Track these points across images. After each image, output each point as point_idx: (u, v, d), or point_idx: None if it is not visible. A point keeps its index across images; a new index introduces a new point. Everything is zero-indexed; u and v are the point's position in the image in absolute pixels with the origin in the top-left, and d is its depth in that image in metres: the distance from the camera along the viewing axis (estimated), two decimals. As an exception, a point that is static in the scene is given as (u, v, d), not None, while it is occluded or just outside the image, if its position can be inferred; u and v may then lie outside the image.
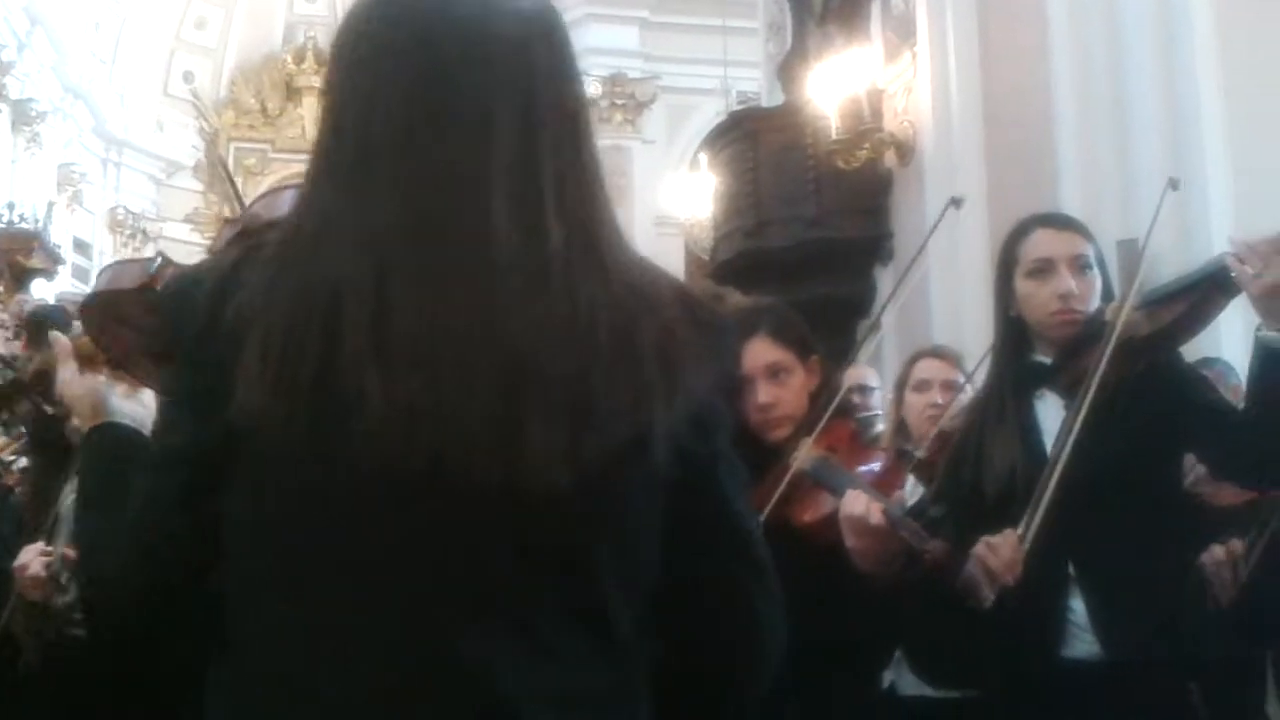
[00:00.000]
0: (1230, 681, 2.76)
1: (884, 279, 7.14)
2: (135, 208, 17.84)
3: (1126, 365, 2.13)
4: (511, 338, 0.96)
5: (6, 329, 8.47)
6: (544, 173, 1.03)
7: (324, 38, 18.84)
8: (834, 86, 6.84)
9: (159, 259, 1.81)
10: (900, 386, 3.23)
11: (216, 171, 16.79)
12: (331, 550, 0.97)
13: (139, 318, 1.73)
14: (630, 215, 14.37)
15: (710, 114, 12.00)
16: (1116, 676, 2.05)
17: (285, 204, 1.62)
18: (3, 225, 12.65)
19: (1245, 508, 2.67)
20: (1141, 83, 5.09)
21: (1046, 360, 2.29)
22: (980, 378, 3.20)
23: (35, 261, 12.59)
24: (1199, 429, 2.16)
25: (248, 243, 1.16)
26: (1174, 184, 2.34)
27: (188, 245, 13.82)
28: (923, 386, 3.14)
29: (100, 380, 1.61)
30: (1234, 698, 2.92)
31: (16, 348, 6.06)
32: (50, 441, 2.92)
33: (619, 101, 14.66)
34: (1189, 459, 2.32)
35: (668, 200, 12.88)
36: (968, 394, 2.98)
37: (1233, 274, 2.02)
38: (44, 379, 2.58)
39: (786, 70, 8.45)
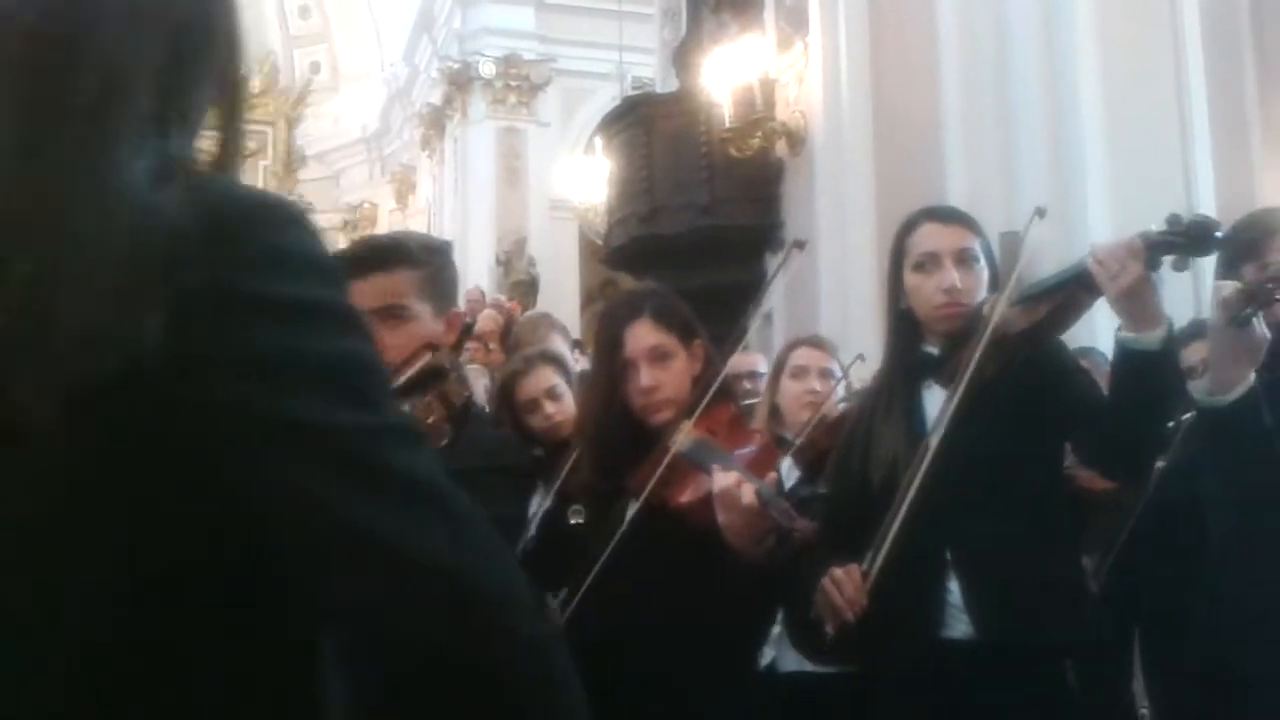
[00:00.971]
0: (1098, 662, 2.86)
1: (773, 267, 7.21)
2: None
3: (1003, 357, 2.18)
4: None
5: None
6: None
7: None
8: (727, 74, 6.88)
9: None
10: (776, 373, 3.27)
11: None
12: None
13: None
14: (525, 198, 14.30)
15: (606, 98, 11.97)
16: (991, 657, 2.11)
17: None
18: None
19: (1119, 495, 2.77)
20: (1026, 77, 5.22)
21: (934, 351, 2.34)
22: (855, 368, 3.28)
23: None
24: (1071, 420, 2.23)
25: None
26: (1040, 213, 2.43)
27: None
28: (799, 374, 3.19)
29: None
30: (1102, 678, 3.03)
31: None
32: None
33: (513, 83, 14.54)
34: None
35: (562, 184, 12.84)
36: (845, 383, 3.05)
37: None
38: None
39: (681, 57, 8.47)
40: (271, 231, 0.80)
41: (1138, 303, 2.03)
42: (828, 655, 2.49)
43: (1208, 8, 6.47)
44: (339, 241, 13.75)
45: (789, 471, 3.05)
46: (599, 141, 8.82)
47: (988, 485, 2.17)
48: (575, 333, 7.63)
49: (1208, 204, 4.81)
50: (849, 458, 2.37)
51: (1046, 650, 2.19)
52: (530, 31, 14.60)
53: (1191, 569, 2.39)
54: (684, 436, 2.09)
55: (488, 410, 3.39)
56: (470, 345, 7.47)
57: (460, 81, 14.78)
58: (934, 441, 2.13)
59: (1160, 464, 2.70)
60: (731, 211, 7.38)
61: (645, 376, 2.17)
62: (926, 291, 2.30)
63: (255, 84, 18.87)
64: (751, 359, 4.15)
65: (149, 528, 0.77)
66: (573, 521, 2.27)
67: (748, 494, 1.89)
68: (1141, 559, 2.68)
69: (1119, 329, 2.08)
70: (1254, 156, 8.76)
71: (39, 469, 0.75)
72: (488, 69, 14.48)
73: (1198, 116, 5.20)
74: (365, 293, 2.05)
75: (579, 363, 4.34)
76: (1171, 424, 2.55)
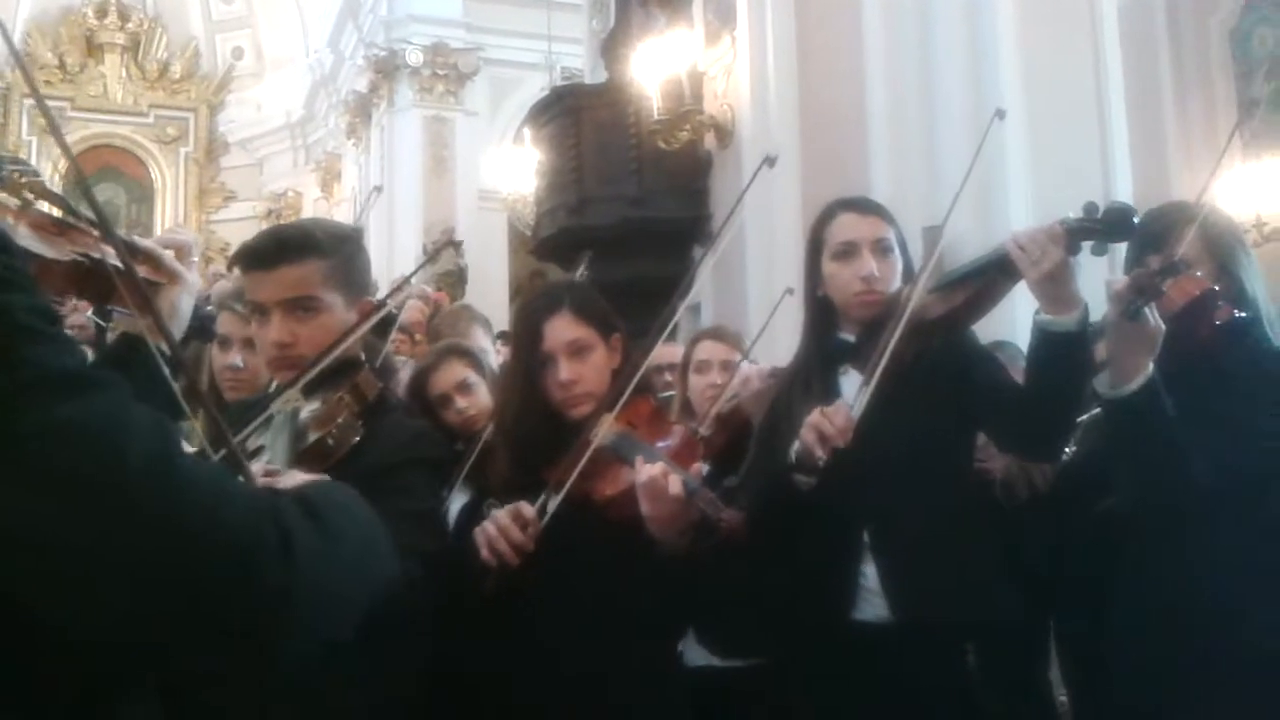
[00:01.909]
0: (1013, 647, 2.91)
1: (703, 259, 7.23)
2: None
3: (920, 343, 2.23)
4: None
5: None
6: None
7: (129, -8, 17.98)
8: (656, 67, 6.87)
9: None
10: (684, 367, 3.29)
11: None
12: None
13: None
14: (452, 188, 14.17)
15: (535, 88, 11.91)
16: (899, 638, 2.16)
17: None
18: None
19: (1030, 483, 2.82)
20: (949, 73, 5.29)
21: (850, 338, 2.39)
22: (761, 357, 3.29)
23: None
24: (984, 405, 2.28)
25: None
26: (1000, 114, 2.46)
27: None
28: (703, 368, 3.20)
29: None
30: (1016, 663, 3.08)
31: None
32: None
33: (441, 72, 14.39)
34: None
35: (491, 174, 12.74)
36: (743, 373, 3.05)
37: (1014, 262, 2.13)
38: None
39: (610, 48, 8.45)
40: None
41: (1056, 286, 2.09)
42: (735, 647, 2.51)
43: (1125, 7, 6.60)
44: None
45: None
46: (528, 132, 8.78)
47: (904, 468, 2.22)
48: (505, 324, 7.58)
49: (1125, 199, 4.90)
50: (770, 441, 2.40)
51: (958, 632, 2.25)
52: (458, 20, 14.46)
53: (1102, 556, 2.44)
54: (605, 429, 2.08)
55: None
56: (396, 337, 7.39)
57: (386, 69, 14.60)
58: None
59: (1070, 453, 2.76)
60: (660, 204, 7.39)
61: (564, 370, 2.16)
62: (844, 279, 2.36)
63: (177, 69, 18.54)
64: (673, 351, 4.15)
65: None
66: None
67: (674, 485, 1.89)
68: (1054, 546, 2.72)
69: (1037, 312, 2.14)
70: (1169, 151, 9.00)
71: None
72: (415, 57, 14.31)
73: (1115, 113, 5.30)
74: (273, 284, 2.02)
75: (501, 355, 4.31)
76: (1085, 416, 2.61)
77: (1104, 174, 5.13)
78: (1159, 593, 2.28)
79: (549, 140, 8.03)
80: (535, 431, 2.18)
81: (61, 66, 17.84)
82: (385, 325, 2.99)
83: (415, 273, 4.10)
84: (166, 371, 1.66)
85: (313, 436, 1.93)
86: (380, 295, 2.54)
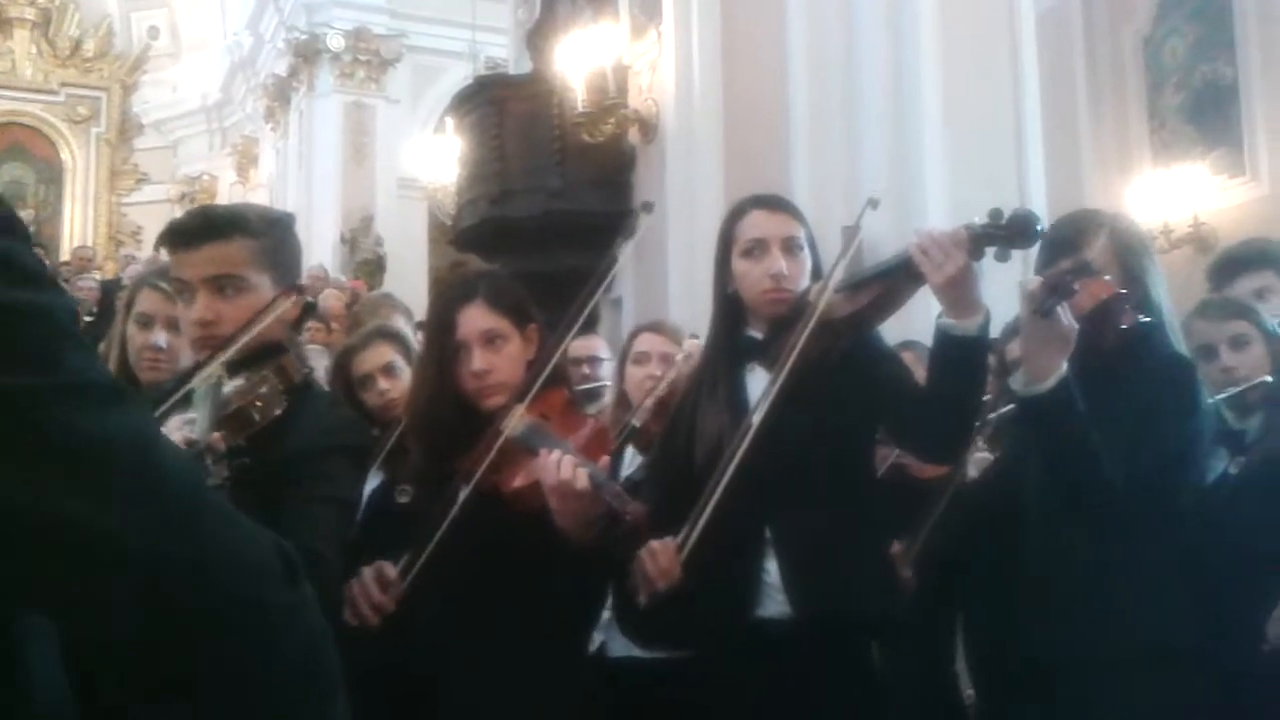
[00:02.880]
0: (917, 642, 2.95)
1: (626, 253, 7.21)
2: None
3: (826, 343, 2.25)
4: None
5: None
6: None
7: (39, -35, 17.46)
8: (581, 59, 6.85)
9: None
10: (622, 360, 3.31)
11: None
12: None
13: None
14: (372, 176, 14.02)
15: (458, 77, 11.81)
16: (802, 635, 2.17)
17: None
18: None
19: (947, 482, 2.86)
20: (871, 77, 5.35)
21: (758, 335, 2.40)
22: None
23: None
24: (887, 405, 2.30)
25: None
26: (873, 203, 2.52)
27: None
28: (641, 359, 3.22)
29: None
30: (921, 658, 3.12)
31: None
32: None
33: (362, 58, 14.21)
34: None
35: (411, 162, 12.62)
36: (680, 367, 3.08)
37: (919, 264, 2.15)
38: None
39: (535, 39, 8.41)
40: None
41: (960, 291, 2.11)
42: (653, 639, 2.52)
43: (1044, 15, 6.73)
44: (175, 214, 13.24)
45: (633, 457, 3.07)
46: (450, 121, 8.70)
47: (806, 466, 2.23)
48: (423, 314, 7.51)
49: (1039, 204, 5.01)
50: (674, 437, 2.41)
51: (860, 629, 2.26)
52: (381, 6, 14.30)
53: (1011, 554, 2.48)
54: (516, 420, 2.07)
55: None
56: (311, 325, 7.29)
57: (307, 54, 14.38)
58: (755, 421, 2.18)
59: (980, 453, 2.80)
60: (583, 196, 7.37)
61: (477, 360, 2.15)
62: (754, 277, 2.36)
63: (90, 47, 18.05)
64: (592, 344, 4.15)
65: None
66: (400, 501, 2.24)
67: (581, 478, 1.89)
68: (962, 544, 2.76)
69: (940, 315, 2.16)
70: (1083, 157, 9.20)
71: None
72: (336, 42, 14.12)
73: (1031, 119, 5.40)
74: (198, 261, 2.00)
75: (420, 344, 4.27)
76: (992, 415, 2.65)
77: (1019, 179, 5.22)
78: (1058, 589, 2.33)
79: (472, 130, 7.96)
80: (447, 421, 2.16)
81: (-34, 43, 17.32)
82: (302, 315, 2.95)
83: None
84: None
85: (235, 405, 1.90)
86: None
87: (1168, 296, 2.44)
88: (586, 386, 3.59)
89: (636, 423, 3.05)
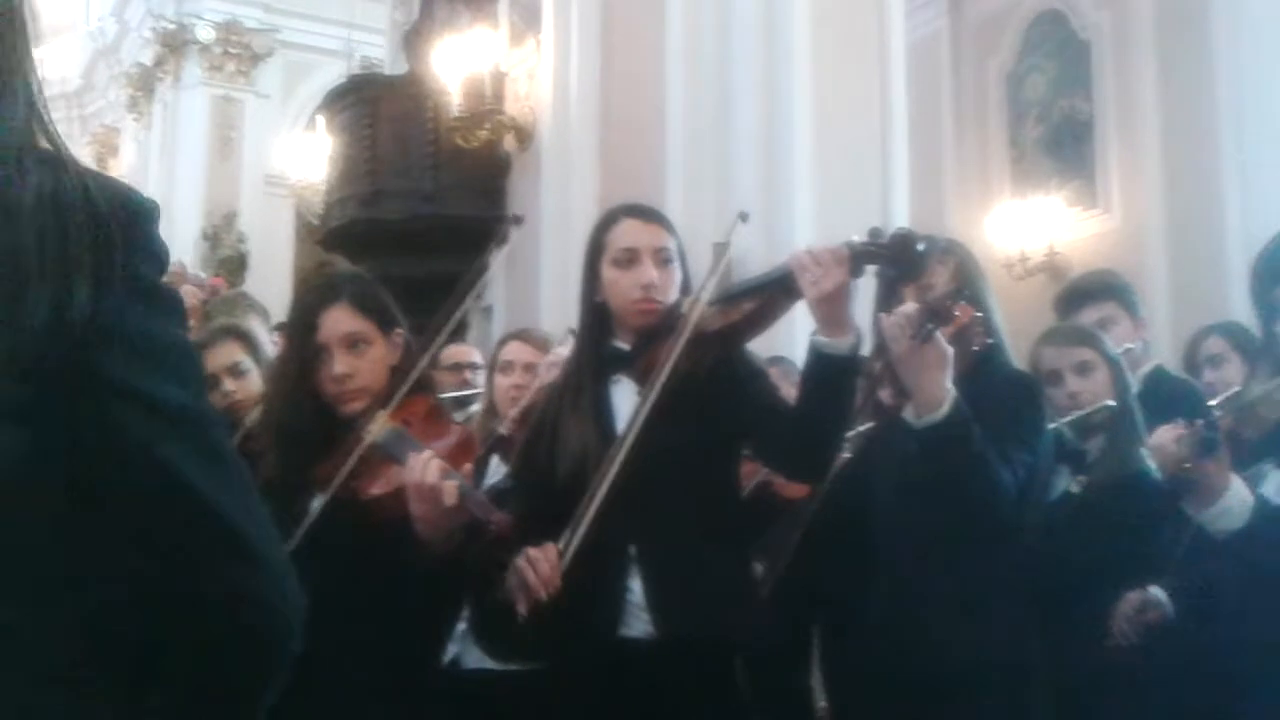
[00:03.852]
0: (775, 659, 2.99)
1: (497, 262, 7.17)
2: None
3: (697, 357, 2.23)
4: None
5: None
6: None
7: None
8: (458, 63, 6.79)
9: None
10: (491, 368, 3.27)
11: None
12: None
13: None
14: (238, 171, 13.67)
15: (332, 75, 11.60)
16: (667, 654, 2.15)
17: None
18: None
19: (810, 501, 2.90)
20: (745, 97, 5.42)
21: (625, 347, 2.36)
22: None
23: None
24: (754, 422, 2.29)
25: None
26: (743, 217, 2.53)
27: None
28: (507, 369, 3.18)
29: None
30: (778, 673, 3.16)
31: None
32: None
33: (233, 51, 13.85)
34: None
35: (280, 159, 12.34)
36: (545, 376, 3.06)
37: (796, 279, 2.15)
38: None
39: (412, 40, 8.31)
40: (150, 222, 0.97)
41: (834, 307, 2.11)
42: (511, 651, 2.49)
43: (914, 47, 6.93)
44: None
45: (498, 466, 3.04)
46: (321, 119, 8.54)
47: (672, 483, 2.21)
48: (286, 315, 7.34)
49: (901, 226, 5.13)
50: (535, 449, 2.36)
51: (722, 648, 2.25)
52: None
53: (866, 571, 2.53)
54: (378, 426, 2.03)
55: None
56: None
57: (175, 44, 13.95)
58: (630, 437, 2.15)
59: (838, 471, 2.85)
60: (456, 201, 7.31)
61: (339, 364, 2.09)
62: (624, 286, 2.32)
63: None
64: (464, 351, 4.12)
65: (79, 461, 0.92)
66: None
67: (448, 487, 1.85)
68: (819, 561, 2.81)
69: (814, 333, 2.16)
70: (945, 184, 9.48)
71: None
72: (205, 33, 13.74)
73: (898, 146, 5.54)
74: None
75: (279, 347, 4.17)
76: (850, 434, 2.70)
77: (884, 202, 5.34)
78: (909, 606, 2.38)
79: (344, 129, 7.83)
80: (305, 426, 2.10)
81: None
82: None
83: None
84: None
85: None
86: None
87: (1002, 319, 2.54)
88: (465, 393, 3.56)
89: (503, 431, 3.02)
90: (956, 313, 2.23)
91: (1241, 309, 3.42)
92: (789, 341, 3.36)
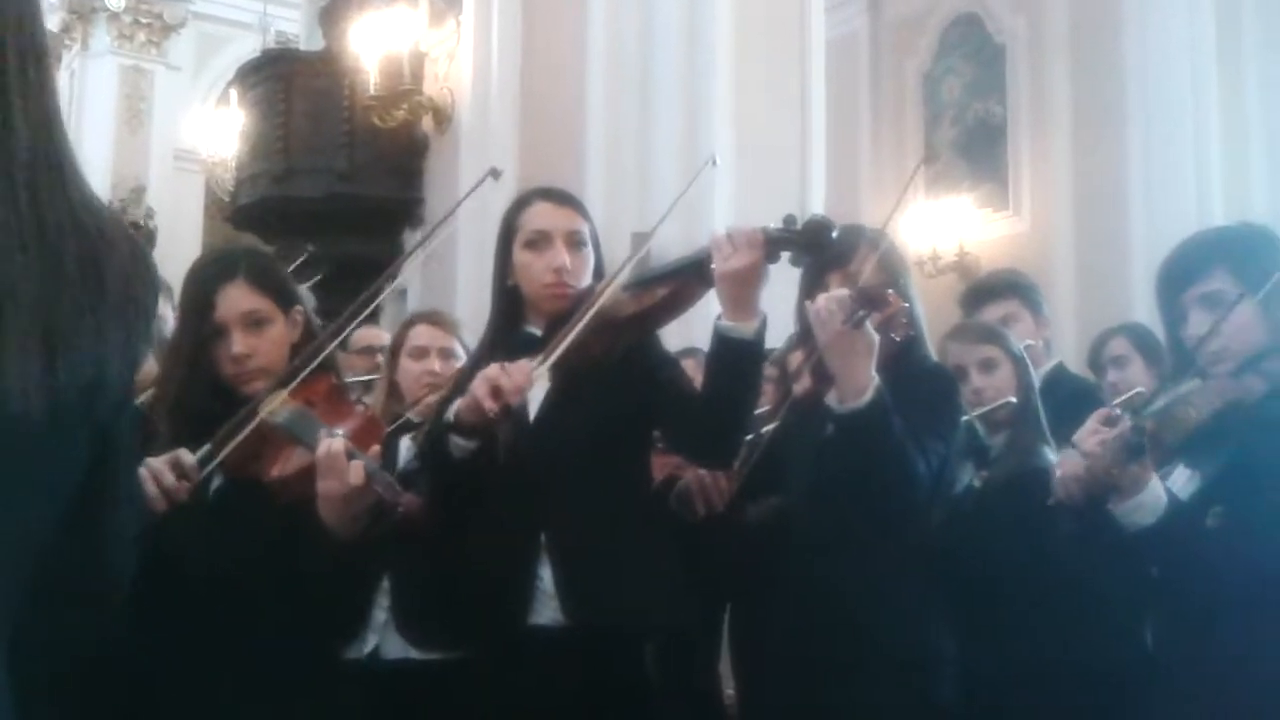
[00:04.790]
0: (683, 644, 3.00)
1: (412, 243, 7.10)
2: None
3: (609, 341, 2.21)
4: None
5: None
6: (8, 76, 0.91)
7: None
8: (376, 42, 6.68)
9: None
10: (395, 351, 3.16)
11: None
12: None
13: None
14: (147, 144, 13.32)
15: (246, 49, 11.32)
16: (576, 642, 2.15)
17: None
18: None
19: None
20: (666, 84, 5.42)
21: (537, 332, 2.34)
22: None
23: None
24: (664, 408, 2.29)
25: None
26: (713, 161, 2.50)
27: None
28: (418, 354, 3.05)
29: None
30: (686, 658, 3.17)
31: None
32: None
33: (144, 20, 13.47)
34: None
35: (191, 134, 12.05)
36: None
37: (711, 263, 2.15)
38: None
39: (329, 16, 8.15)
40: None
41: (743, 289, 2.11)
42: (428, 641, 2.46)
43: (834, 44, 6.99)
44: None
45: (408, 450, 2.99)
46: (234, 93, 8.36)
47: (582, 470, 2.20)
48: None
49: (818, 219, 5.17)
50: (440, 433, 2.30)
51: (631, 635, 2.25)
52: (167, -32, 13.60)
53: (775, 563, 2.54)
54: (279, 406, 1.97)
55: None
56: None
57: (83, 11, 13.52)
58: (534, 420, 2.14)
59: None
60: (371, 181, 7.20)
61: (237, 343, 2.04)
62: (536, 270, 2.31)
63: None
64: (376, 334, 4.05)
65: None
66: None
67: (353, 467, 1.81)
68: (731, 545, 2.81)
69: (719, 318, 2.16)
70: (861, 183, 9.60)
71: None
72: (116, 1, 13.35)
73: (816, 141, 5.58)
74: None
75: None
76: (765, 429, 2.70)
77: (801, 196, 5.38)
78: (817, 596, 2.40)
79: (257, 104, 7.66)
80: (201, 407, 2.04)
81: None
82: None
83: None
84: None
85: None
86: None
87: (923, 311, 2.56)
88: (370, 377, 3.46)
89: (415, 418, 2.95)
90: (890, 300, 2.24)
91: (1145, 311, 3.49)
92: (706, 334, 3.37)
